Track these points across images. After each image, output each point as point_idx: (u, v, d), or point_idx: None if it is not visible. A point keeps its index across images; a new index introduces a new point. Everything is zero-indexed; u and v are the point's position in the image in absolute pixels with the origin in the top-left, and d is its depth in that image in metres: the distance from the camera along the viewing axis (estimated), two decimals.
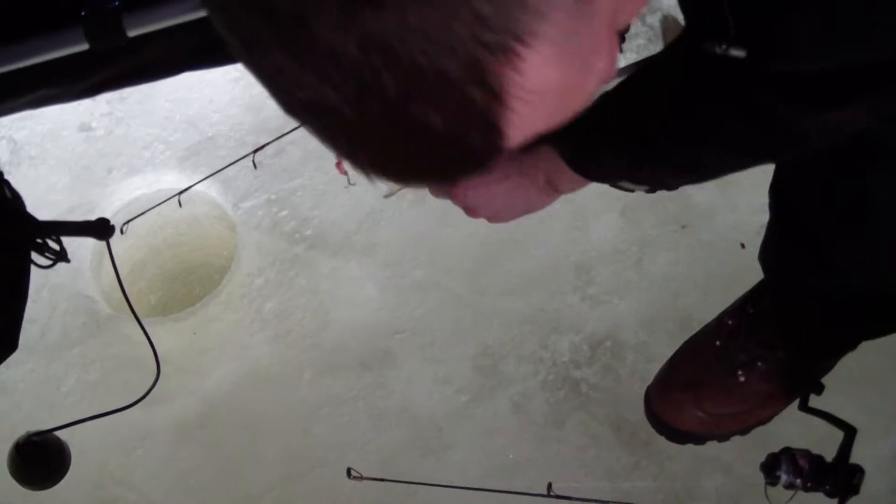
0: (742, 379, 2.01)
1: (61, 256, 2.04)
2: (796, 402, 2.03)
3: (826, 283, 1.76)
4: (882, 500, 2.20)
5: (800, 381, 2.00)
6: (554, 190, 1.58)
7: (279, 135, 2.62)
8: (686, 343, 2.13)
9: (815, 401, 2.01)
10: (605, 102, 1.44)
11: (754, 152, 1.39)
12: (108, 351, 2.71)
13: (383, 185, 1.61)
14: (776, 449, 1.88)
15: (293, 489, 2.48)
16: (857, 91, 1.13)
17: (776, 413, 2.09)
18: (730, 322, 2.04)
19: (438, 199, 1.65)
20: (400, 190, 1.64)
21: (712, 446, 2.30)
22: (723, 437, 2.11)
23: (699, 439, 2.11)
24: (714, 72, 1.22)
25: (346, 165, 1.47)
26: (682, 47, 1.36)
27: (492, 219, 1.64)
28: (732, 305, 2.09)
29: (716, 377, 2.04)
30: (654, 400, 2.13)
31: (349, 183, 1.55)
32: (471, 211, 1.61)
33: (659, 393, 2.12)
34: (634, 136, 1.41)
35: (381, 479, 2.04)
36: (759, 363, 1.99)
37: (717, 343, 2.04)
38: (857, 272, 1.71)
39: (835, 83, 1.12)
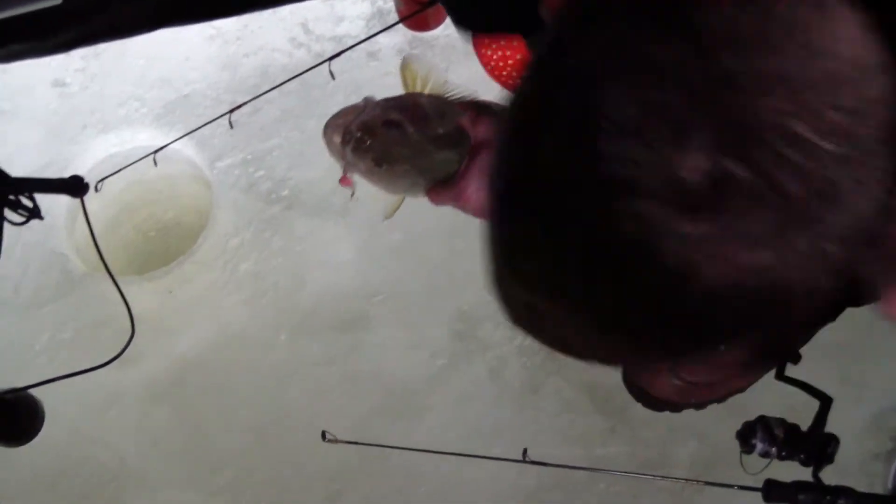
0: (722, 348, 1.99)
1: (34, 214, 2.02)
2: (773, 371, 2.03)
3: None
4: (855, 468, 2.21)
5: (778, 351, 2.00)
6: None
7: (256, 94, 2.59)
8: None
9: (791, 370, 2.01)
10: None
11: None
12: (81, 309, 2.69)
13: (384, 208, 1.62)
14: (751, 417, 1.88)
15: (266, 452, 2.49)
16: None
17: (753, 382, 2.09)
18: None
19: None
20: (399, 205, 1.64)
21: (688, 413, 2.30)
22: (699, 406, 2.10)
23: (675, 407, 2.10)
24: None
25: (353, 177, 1.47)
26: None
27: None
28: None
29: None
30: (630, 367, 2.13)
31: (353, 195, 1.54)
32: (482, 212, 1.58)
33: None
34: None
35: (356, 443, 2.02)
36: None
37: None
38: None
39: None
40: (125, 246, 3.14)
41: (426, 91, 1.47)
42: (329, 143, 1.40)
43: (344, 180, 1.49)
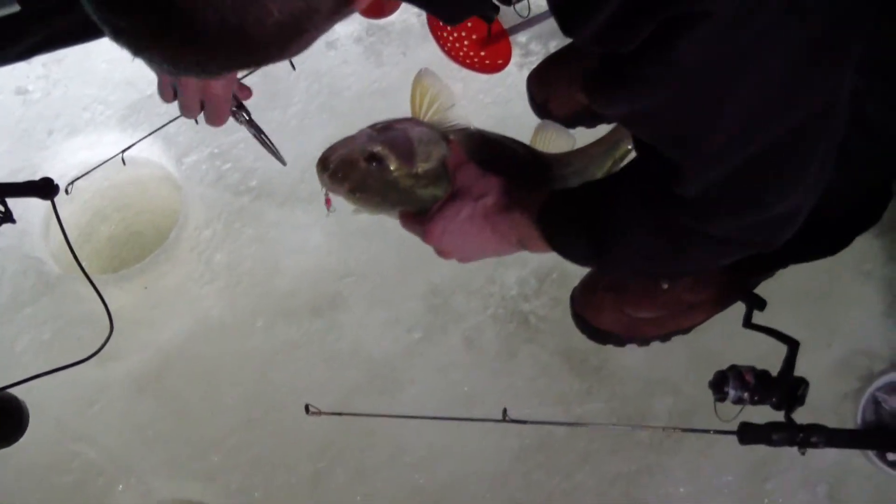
0: (665, 287, 2.05)
1: (7, 218, 2.05)
2: (740, 320, 2.08)
3: None
4: (826, 409, 2.26)
5: (735, 294, 2.05)
6: (524, 248, 1.65)
7: None
8: None
9: (758, 317, 2.07)
10: (583, 192, 1.58)
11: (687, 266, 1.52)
12: (59, 310, 2.71)
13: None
14: (723, 367, 1.93)
15: (253, 432, 2.52)
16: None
17: (697, 324, 2.14)
18: None
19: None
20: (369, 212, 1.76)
21: (661, 368, 2.36)
22: (643, 341, 2.15)
23: (619, 340, 2.16)
24: (641, 193, 1.36)
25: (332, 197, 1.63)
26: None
27: (462, 261, 1.75)
28: None
29: (638, 282, 2.08)
30: (577, 298, 2.18)
31: (329, 212, 1.73)
32: (443, 254, 1.72)
33: (583, 292, 2.17)
34: (590, 238, 1.50)
35: (340, 413, 2.07)
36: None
37: None
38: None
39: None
40: (98, 252, 3.16)
41: (430, 111, 1.60)
42: (317, 171, 1.57)
43: (327, 202, 1.66)
